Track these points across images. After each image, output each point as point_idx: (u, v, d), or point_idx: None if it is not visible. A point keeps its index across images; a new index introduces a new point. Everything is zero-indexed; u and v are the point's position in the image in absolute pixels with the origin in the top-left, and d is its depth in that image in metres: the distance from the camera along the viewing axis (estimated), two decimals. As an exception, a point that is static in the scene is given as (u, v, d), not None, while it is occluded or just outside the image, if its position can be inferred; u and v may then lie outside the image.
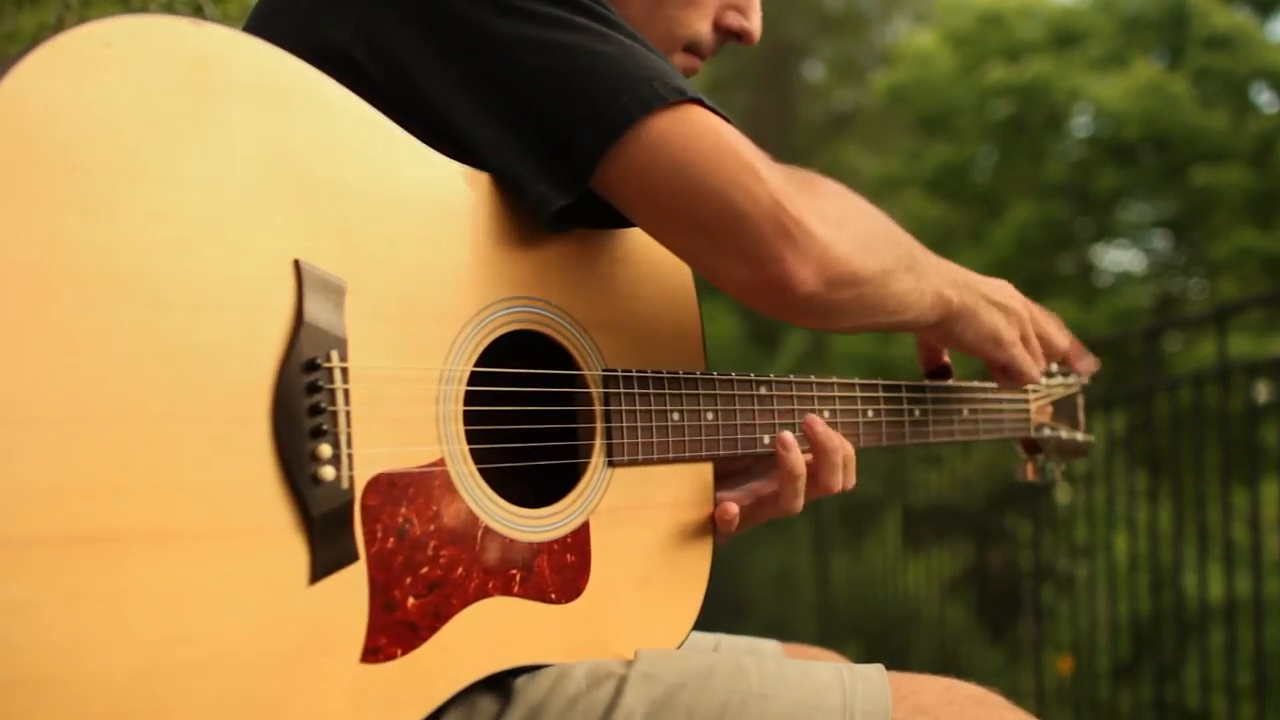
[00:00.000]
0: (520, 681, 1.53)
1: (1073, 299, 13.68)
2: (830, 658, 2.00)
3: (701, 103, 1.51)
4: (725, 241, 1.49)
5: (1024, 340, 1.94)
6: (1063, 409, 2.25)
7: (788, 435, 1.77)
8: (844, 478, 1.81)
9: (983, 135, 15.13)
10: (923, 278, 1.71)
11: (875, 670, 1.62)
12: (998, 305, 1.87)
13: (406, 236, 1.44)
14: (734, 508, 1.77)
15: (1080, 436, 2.26)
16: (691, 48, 1.84)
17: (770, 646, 2.02)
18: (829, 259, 1.51)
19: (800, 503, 1.78)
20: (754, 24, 1.87)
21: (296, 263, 1.31)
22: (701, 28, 1.83)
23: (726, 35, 1.86)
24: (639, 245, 1.70)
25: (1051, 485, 2.14)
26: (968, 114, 14.96)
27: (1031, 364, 1.95)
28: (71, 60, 1.18)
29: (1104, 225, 15.02)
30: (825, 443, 1.78)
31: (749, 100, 25.77)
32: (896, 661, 1.71)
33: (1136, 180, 14.10)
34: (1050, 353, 2.02)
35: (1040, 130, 14.68)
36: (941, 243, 15.55)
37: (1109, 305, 13.97)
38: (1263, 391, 4.94)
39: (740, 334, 18.31)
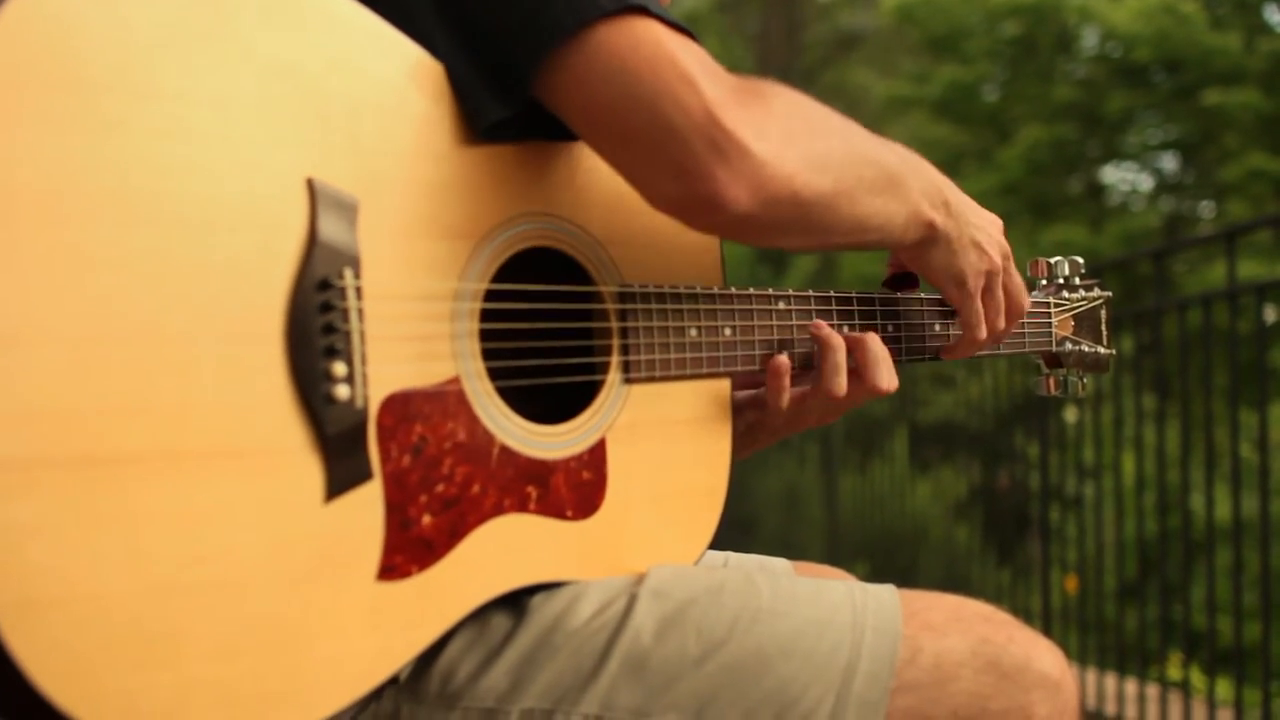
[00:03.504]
0: (535, 600, 1.54)
1: (1081, 220, 13.65)
2: (839, 576, 2.00)
3: (647, 11, 1.43)
4: (654, 154, 1.42)
5: (987, 292, 1.87)
6: (1085, 322, 2.23)
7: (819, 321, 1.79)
8: (879, 376, 1.80)
9: (992, 56, 15.07)
10: (897, 198, 1.65)
11: (887, 590, 1.62)
12: (976, 245, 1.81)
13: (420, 152, 1.42)
14: (785, 359, 1.76)
15: (1102, 349, 2.25)
16: None
17: (780, 564, 2.02)
18: (764, 177, 1.43)
19: (843, 380, 1.77)
20: None
21: (310, 181, 1.30)
22: None
23: None
24: None
25: (1075, 398, 2.12)
26: (977, 35, 14.89)
27: (981, 322, 1.87)
28: None
29: (1113, 147, 14.97)
30: (828, 339, 1.78)
31: (757, 21, 25.63)
32: (904, 580, 1.71)
33: (1147, 101, 14.04)
34: (1013, 312, 1.93)
35: (1050, 51, 14.61)
36: (951, 164, 15.58)
37: (1118, 226, 13.95)
38: (1271, 313, 4.94)
39: (749, 254, 18.30)
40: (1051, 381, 2.24)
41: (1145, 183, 16.06)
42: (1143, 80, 13.98)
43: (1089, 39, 14.87)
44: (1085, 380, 2.25)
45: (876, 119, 21.14)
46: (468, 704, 1.49)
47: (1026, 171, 14.07)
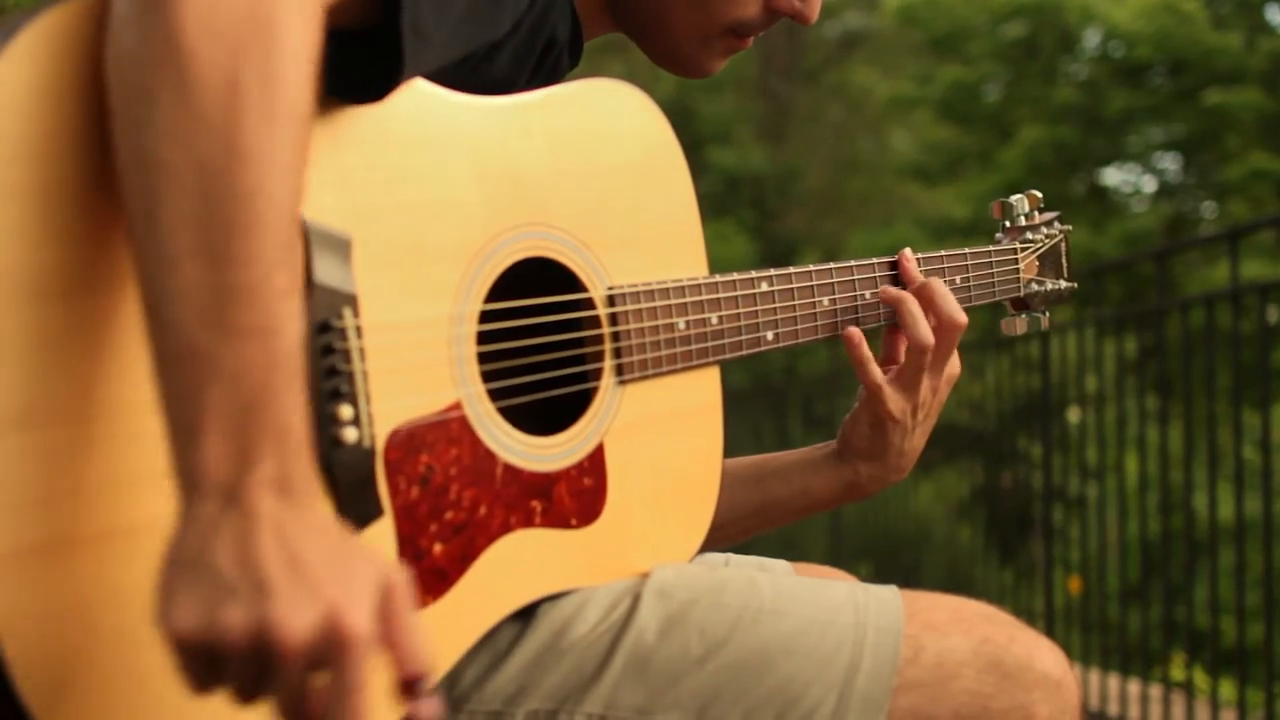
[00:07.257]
0: (543, 606, 1.55)
1: (1084, 221, 13.64)
2: (840, 576, 2.00)
3: None
4: None
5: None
6: (1048, 259, 2.23)
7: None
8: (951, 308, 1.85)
9: (994, 57, 15.04)
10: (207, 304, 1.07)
11: (889, 590, 1.63)
12: (287, 568, 1.04)
13: (404, 177, 1.41)
14: (856, 329, 1.83)
15: (1064, 283, 2.25)
16: (737, 29, 1.76)
17: (780, 565, 2.03)
18: None
19: (926, 327, 1.83)
20: (812, 8, 1.76)
21: (302, 223, 1.25)
22: (749, 11, 1.74)
23: (779, 15, 1.77)
24: (634, 158, 1.69)
25: (1037, 331, 2.13)
26: (979, 35, 14.87)
27: None
28: (59, 41, 1.14)
29: (1114, 148, 14.95)
30: (897, 295, 1.86)
31: (759, 22, 25.58)
32: (907, 581, 1.72)
33: (1148, 102, 14.02)
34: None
35: (1052, 52, 14.59)
36: (953, 164, 15.58)
37: (1119, 227, 13.94)
38: (1274, 313, 4.93)
39: (753, 255, 18.29)
40: (1019, 322, 2.24)
41: (1148, 184, 16.07)
42: (1143, 80, 13.97)
43: (1090, 39, 14.86)
44: (1048, 314, 2.26)
45: (879, 119, 21.14)
46: (473, 707, 1.51)
47: (1028, 172, 14.03)
